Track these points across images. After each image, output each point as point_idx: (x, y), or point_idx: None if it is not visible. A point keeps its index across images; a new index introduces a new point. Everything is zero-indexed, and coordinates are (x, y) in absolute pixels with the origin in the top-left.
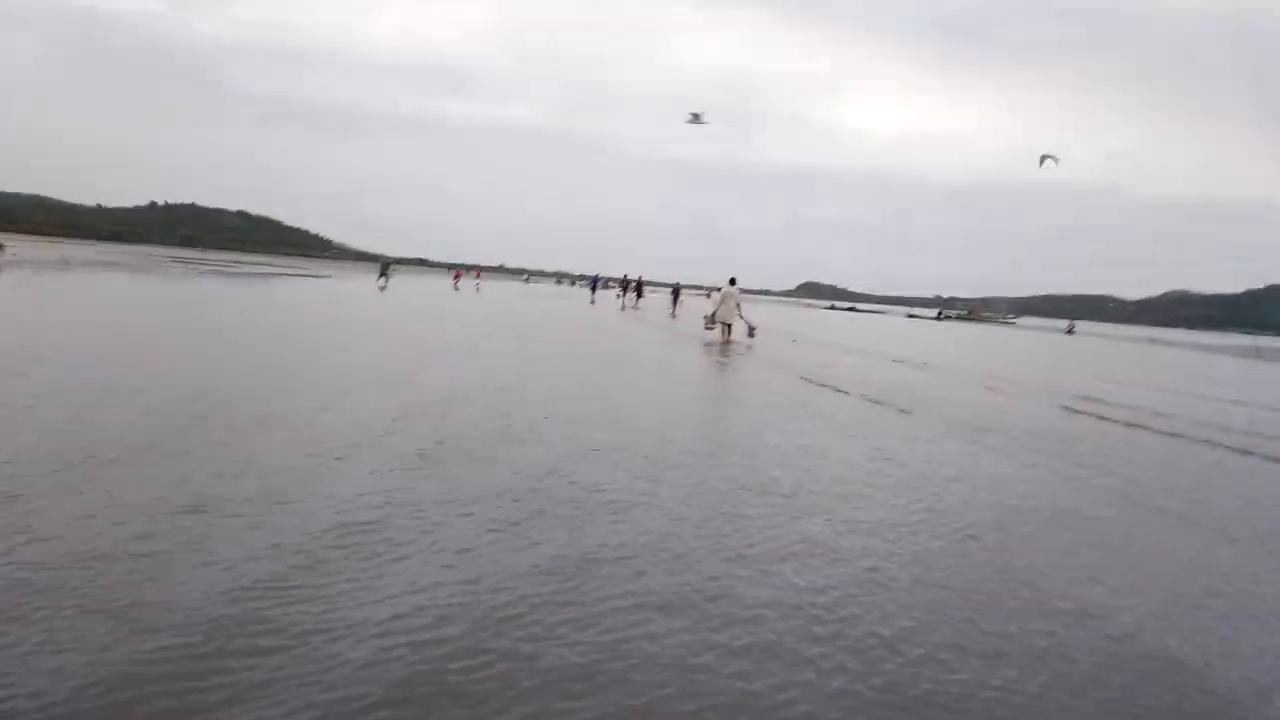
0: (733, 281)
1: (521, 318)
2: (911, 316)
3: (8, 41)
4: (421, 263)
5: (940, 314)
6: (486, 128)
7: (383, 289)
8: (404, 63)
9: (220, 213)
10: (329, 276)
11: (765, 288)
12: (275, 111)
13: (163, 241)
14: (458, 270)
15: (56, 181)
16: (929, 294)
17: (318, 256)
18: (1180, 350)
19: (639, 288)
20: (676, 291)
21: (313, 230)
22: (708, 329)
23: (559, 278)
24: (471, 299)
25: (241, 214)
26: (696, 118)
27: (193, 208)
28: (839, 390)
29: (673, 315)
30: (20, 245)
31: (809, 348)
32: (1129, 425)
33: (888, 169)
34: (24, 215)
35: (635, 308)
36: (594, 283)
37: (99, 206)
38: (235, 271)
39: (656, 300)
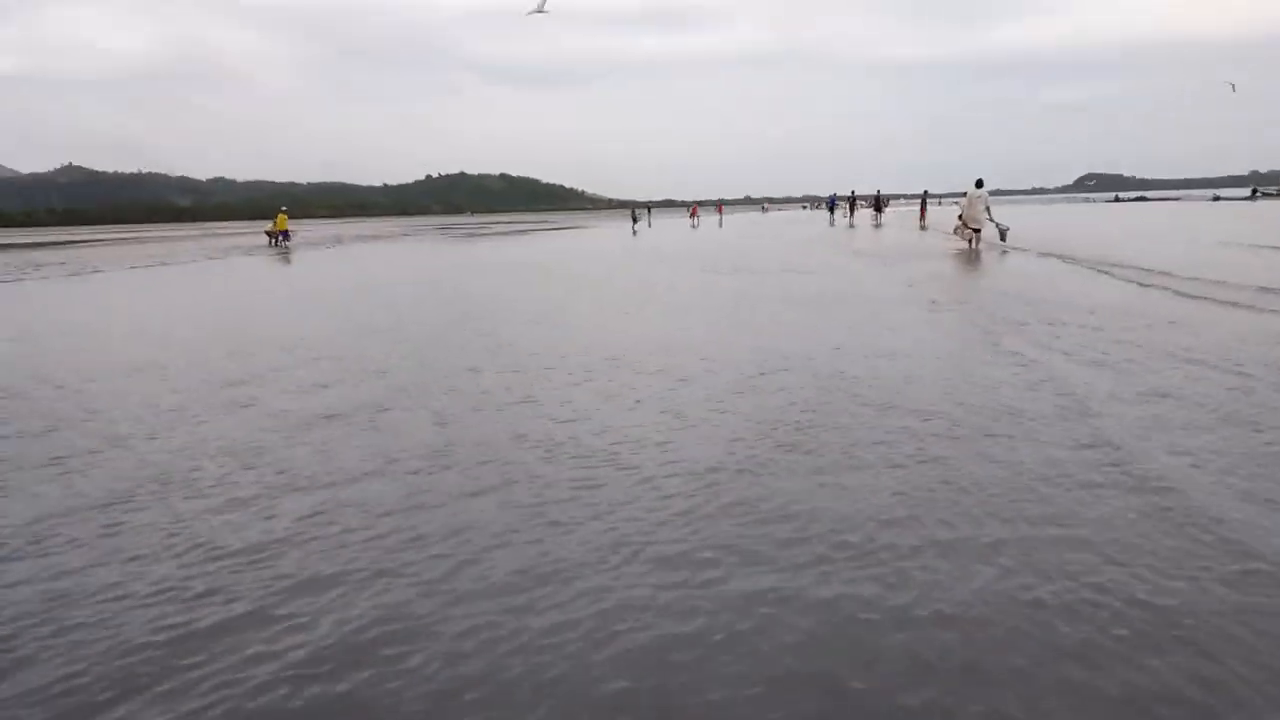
0: (979, 184)
1: (726, 254)
2: (1217, 199)
3: (296, 50)
4: (669, 203)
5: (1255, 192)
6: (710, 58)
7: (635, 234)
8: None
9: (485, 177)
10: (581, 228)
11: (1038, 186)
12: (517, 75)
13: (439, 211)
14: (694, 208)
15: (347, 166)
16: (1243, 170)
17: (572, 209)
18: None
19: (877, 203)
20: (923, 202)
21: (567, 185)
22: (957, 233)
23: (806, 203)
24: (711, 234)
25: (504, 177)
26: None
27: (461, 176)
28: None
29: (921, 227)
30: (312, 229)
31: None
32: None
33: (1156, 33)
34: (326, 200)
35: (876, 225)
36: (831, 203)
37: (384, 185)
38: (488, 232)
39: (902, 214)
